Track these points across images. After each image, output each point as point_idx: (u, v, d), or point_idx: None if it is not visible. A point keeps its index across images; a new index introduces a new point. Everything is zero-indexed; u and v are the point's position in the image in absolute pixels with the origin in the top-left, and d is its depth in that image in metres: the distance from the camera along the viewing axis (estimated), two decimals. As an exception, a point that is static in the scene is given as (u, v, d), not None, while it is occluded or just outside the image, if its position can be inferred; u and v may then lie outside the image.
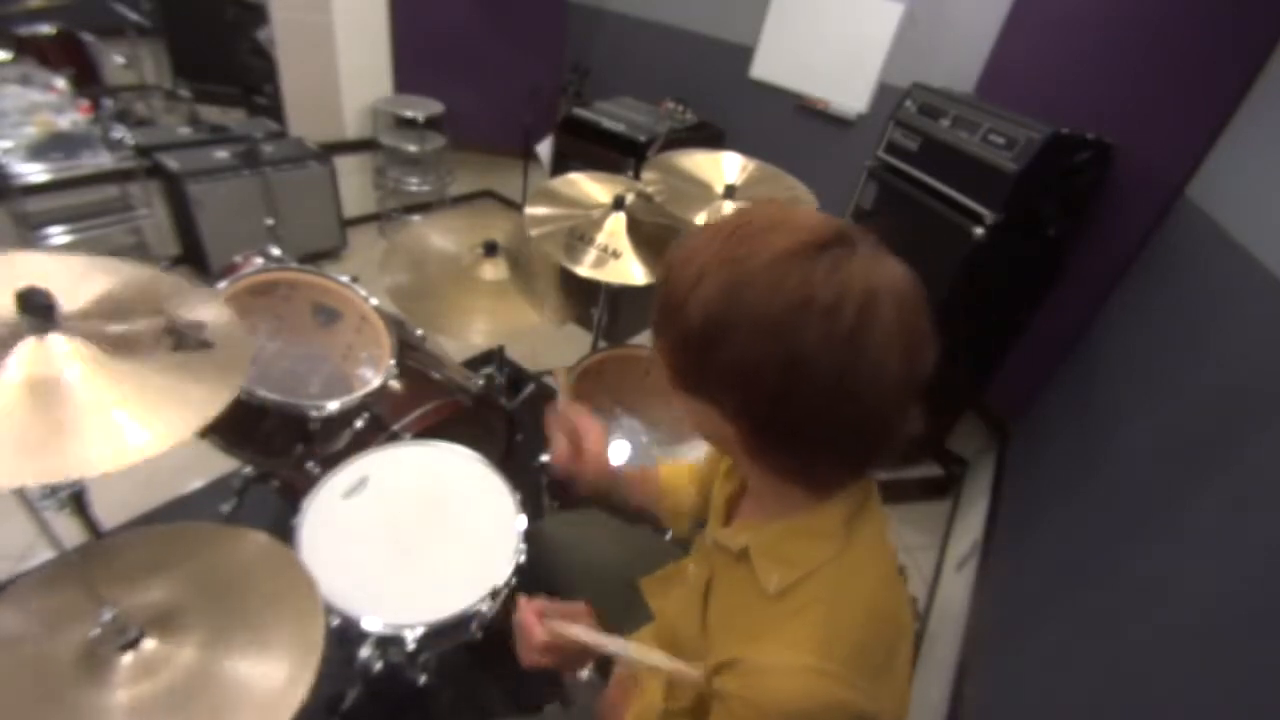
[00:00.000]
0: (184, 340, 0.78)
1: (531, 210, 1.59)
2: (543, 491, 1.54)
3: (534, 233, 1.52)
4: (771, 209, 0.57)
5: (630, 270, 1.53)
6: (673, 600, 0.83)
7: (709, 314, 0.52)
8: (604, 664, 0.81)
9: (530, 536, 1.13)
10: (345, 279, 1.46)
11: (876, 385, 0.51)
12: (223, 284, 1.31)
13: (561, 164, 3.04)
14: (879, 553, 0.62)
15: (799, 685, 0.54)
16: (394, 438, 1.37)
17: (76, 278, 0.79)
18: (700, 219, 1.49)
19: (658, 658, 0.69)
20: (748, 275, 0.51)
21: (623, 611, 1.06)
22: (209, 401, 0.73)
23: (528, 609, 0.85)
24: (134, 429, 0.67)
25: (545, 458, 1.50)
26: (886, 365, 0.50)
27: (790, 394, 0.51)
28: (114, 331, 0.74)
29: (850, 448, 0.56)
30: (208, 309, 0.85)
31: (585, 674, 0.77)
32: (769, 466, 0.60)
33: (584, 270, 1.49)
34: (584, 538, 1.18)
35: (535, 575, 1.10)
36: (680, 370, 0.58)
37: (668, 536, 1.25)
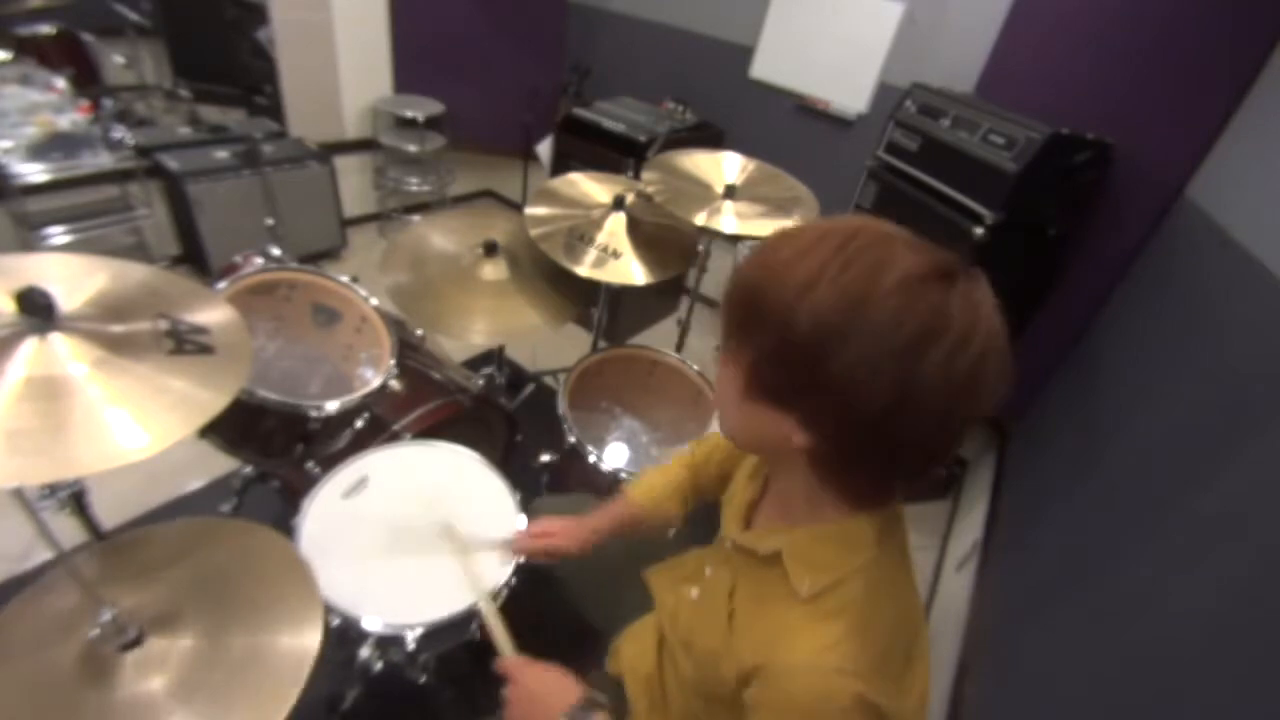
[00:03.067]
0: (183, 344, 0.78)
1: (531, 210, 1.59)
2: (543, 492, 1.54)
3: (534, 232, 1.53)
4: (870, 221, 0.55)
5: (630, 270, 1.53)
6: (682, 598, 0.83)
7: (824, 323, 0.49)
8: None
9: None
10: (345, 279, 1.46)
11: (973, 416, 0.52)
12: (223, 284, 1.31)
13: (561, 164, 3.03)
14: (903, 561, 0.63)
15: (827, 686, 0.55)
16: (394, 438, 1.37)
17: (76, 278, 0.79)
18: (700, 219, 1.49)
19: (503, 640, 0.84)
20: (875, 290, 0.48)
21: (615, 595, 1.07)
22: (208, 403, 0.73)
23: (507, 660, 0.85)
24: (133, 429, 0.67)
25: (545, 457, 1.51)
26: (985, 400, 0.51)
27: (894, 415, 0.50)
28: (114, 332, 0.74)
29: (920, 469, 0.56)
30: (210, 312, 0.85)
31: None
32: (830, 476, 0.59)
33: (584, 270, 1.49)
34: None
35: (528, 562, 1.11)
36: (766, 375, 0.55)
37: (670, 533, 1.25)
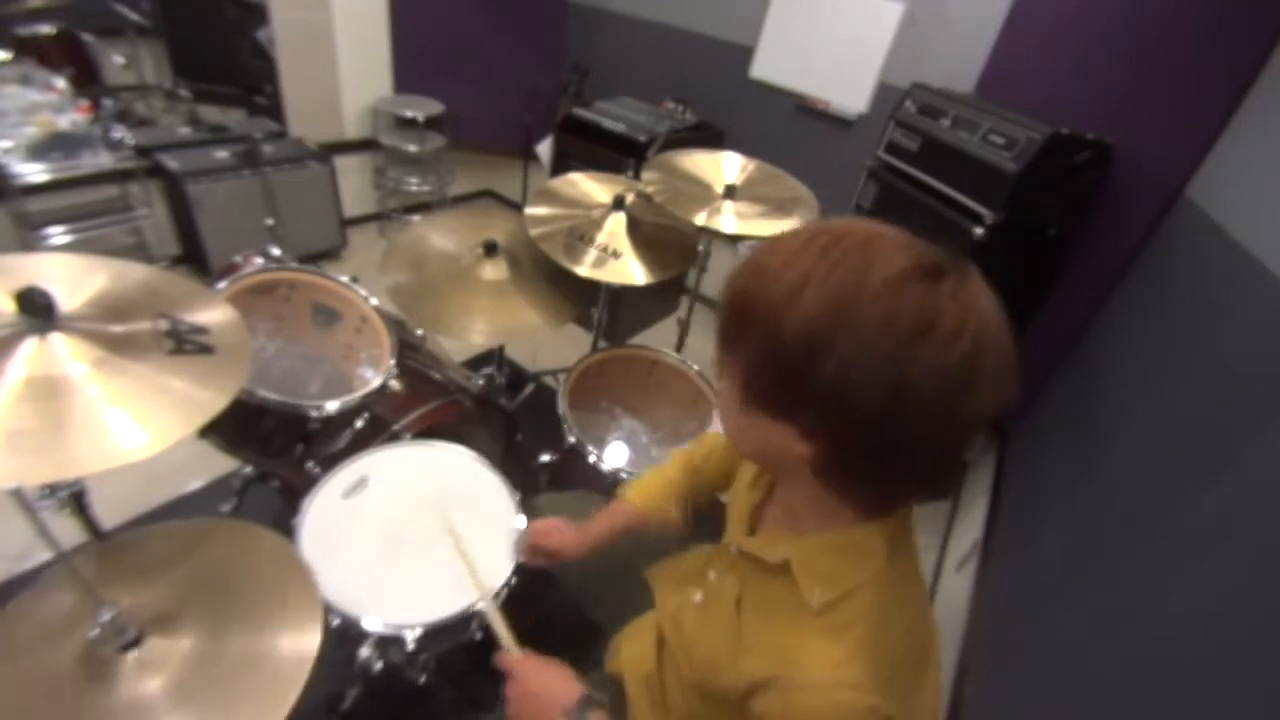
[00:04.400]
0: (183, 344, 0.78)
1: (532, 210, 1.59)
2: (543, 491, 1.54)
3: (534, 232, 1.53)
4: (859, 223, 0.54)
5: (630, 270, 1.53)
6: (685, 600, 0.82)
7: (812, 328, 0.49)
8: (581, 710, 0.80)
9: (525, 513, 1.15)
10: (345, 279, 1.46)
11: (975, 415, 0.50)
12: (223, 284, 1.31)
13: (561, 164, 3.03)
14: (914, 571, 0.63)
15: (839, 703, 0.54)
16: (394, 438, 1.37)
17: (76, 278, 0.79)
18: (700, 219, 1.49)
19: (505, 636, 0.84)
20: (862, 291, 0.48)
21: (616, 593, 1.07)
22: (208, 403, 0.73)
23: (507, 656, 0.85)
24: (133, 429, 0.67)
25: (545, 457, 1.51)
26: (985, 396, 0.49)
27: (891, 418, 0.49)
28: (114, 332, 0.74)
29: (928, 474, 0.56)
30: (210, 312, 0.85)
31: None
32: (835, 486, 0.58)
33: (584, 270, 1.49)
34: (577, 516, 1.18)
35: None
36: (759, 385, 0.55)
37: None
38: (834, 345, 0.48)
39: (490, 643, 0.89)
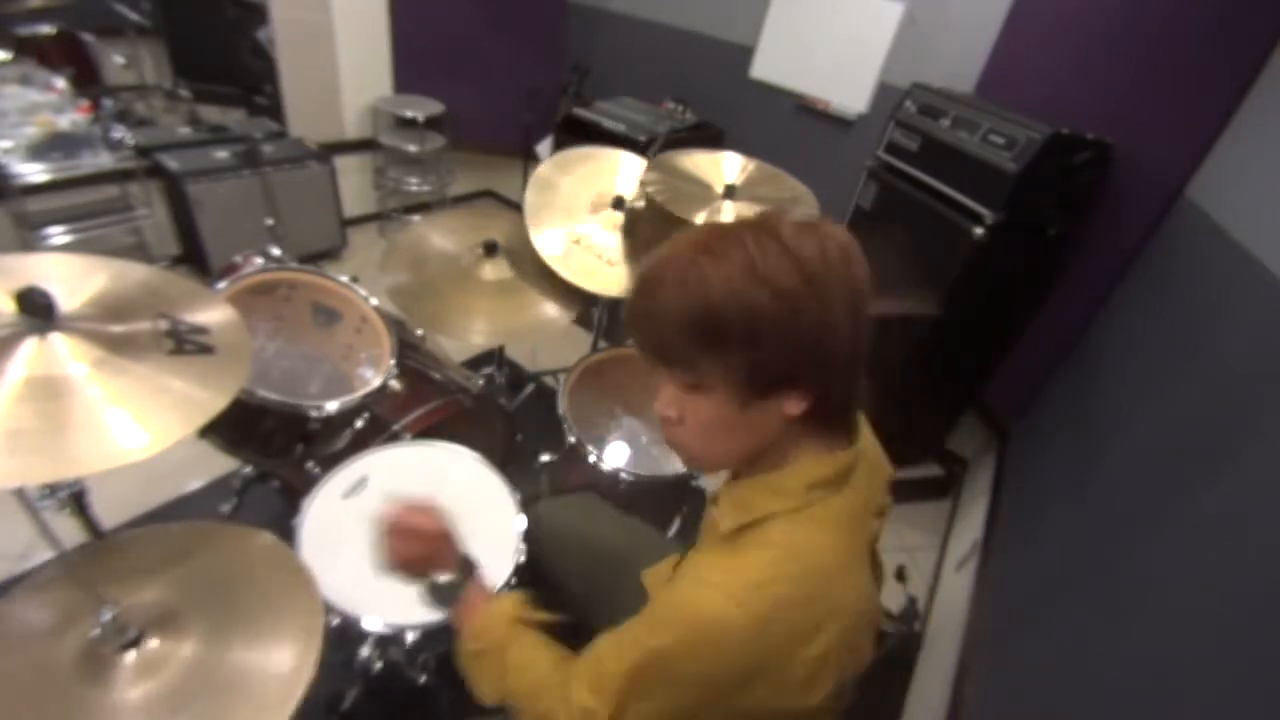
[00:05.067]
0: (183, 344, 0.78)
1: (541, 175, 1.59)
2: (543, 492, 1.54)
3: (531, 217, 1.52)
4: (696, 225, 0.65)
5: (625, 279, 1.53)
6: None
7: (784, 290, 0.55)
8: (463, 570, 0.83)
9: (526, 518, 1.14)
10: (345, 279, 1.46)
11: (835, 328, 0.57)
12: (223, 284, 1.31)
13: (561, 164, 3.03)
14: (840, 531, 0.63)
15: (707, 600, 0.57)
16: (394, 438, 1.37)
17: (76, 278, 0.79)
18: (700, 219, 1.49)
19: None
20: (786, 246, 0.56)
21: (614, 596, 1.07)
22: (208, 403, 0.73)
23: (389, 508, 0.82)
24: (133, 429, 0.67)
25: (545, 457, 1.51)
26: (839, 310, 0.57)
27: (758, 336, 0.55)
28: (114, 332, 0.74)
29: (814, 373, 0.59)
30: (210, 312, 0.85)
31: (445, 577, 0.79)
32: (820, 421, 0.63)
33: (580, 281, 1.48)
34: (579, 520, 1.18)
35: (530, 557, 1.11)
36: (768, 366, 0.59)
37: (671, 533, 1.25)
38: (809, 292, 0.55)
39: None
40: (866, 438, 0.71)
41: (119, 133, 2.32)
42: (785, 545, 0.60)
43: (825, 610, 0.59)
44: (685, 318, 0.57)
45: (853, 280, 0.58)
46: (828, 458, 0.63)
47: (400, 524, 0.79)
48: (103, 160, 2.28)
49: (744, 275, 0.55)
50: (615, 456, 1.60)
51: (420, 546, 0.80)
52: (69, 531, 1.00)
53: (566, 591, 1.16)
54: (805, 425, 0.62)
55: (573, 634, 1.09)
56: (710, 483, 1.57)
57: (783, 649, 0.57)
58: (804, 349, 0.57)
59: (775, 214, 0.61)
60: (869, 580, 0.69)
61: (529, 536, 1.12)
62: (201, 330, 0.82)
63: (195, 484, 1.87)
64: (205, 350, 0.79)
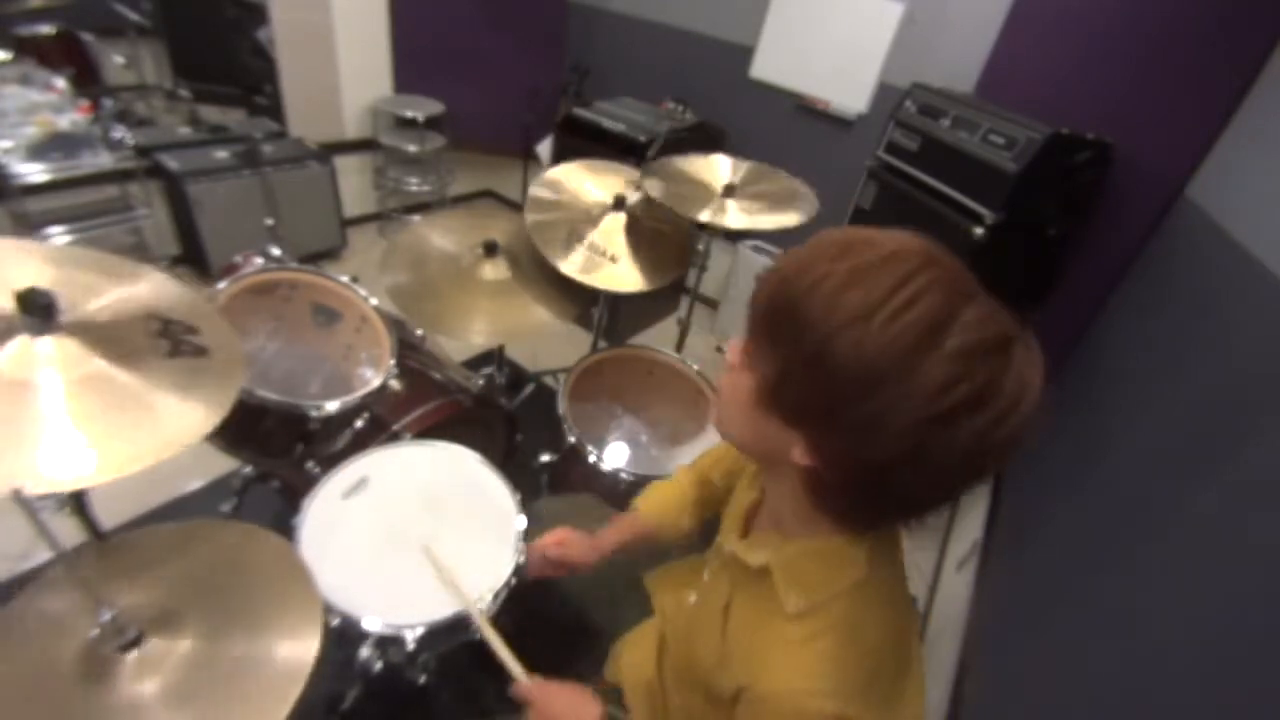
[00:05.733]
0: (179, 346, 0.78)
1: (535, 189, 1.59)
2: (543, 492, 1.54)
3: (532, 219, 1.52)
4: (937, 252, 0.52)
5: (626, 276, 1.53)
6: (681, 603, 0.82)
7: (865, 362, 0.46)
8: None
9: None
10: (345, 279, 1.45)
11: (985, 475, 0.51)
12: (223, 284, 1.31)
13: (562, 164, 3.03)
14: (895, 581, 0.63)
15: (807, 709, 0.54)
16: (394, 438, 1.37)
17: (75, 278, 0.79)
18: (704, 216, 1.50)
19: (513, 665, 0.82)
20: (931, 347, 0.46)
21: (614, 599, 1.06)
22: (206, 412, 0.73)
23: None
24: (133, 434, 0.67)
25: (545, 457, 1.51)
26: (1001, 464, 0.50)
27: (906, 466, 0.48)
28: (111, 336, 0.74)
29: (914, 510, 0.56)
30: (201, 317, 0.85)
31: None
32: (820, 502, 0.58)
33: (582, 275, 1.49)
34: (578, 521, 1.18)
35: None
36: (783, 392, 0.53)
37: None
38: (882, 389, 0.46)
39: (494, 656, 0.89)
40: None
41: (119, 133, 2.32)
42: (857, 624, 0.57)
43: (904, 662, 0.60)
44: (781, 298, 0.52)
45: (982, 424, 0.46)
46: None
47: (535, 714, 0.80)
48: (103, 160, 2.28)
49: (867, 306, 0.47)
50: (615, 456, 1.60)
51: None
52: (69, 531, 0.99)
53: (566, 592, 1.16)
54: (816, 498, 0.57)
55: (573, 634, 1.10)
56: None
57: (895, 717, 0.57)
58: (836, 419, 0.50)
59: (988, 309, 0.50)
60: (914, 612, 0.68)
61: (529, 536, 1.12)
62: (194, 333, 0.82)
63: (195, 484, 1.87)
64: (200, 352, 0.79)
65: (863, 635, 0.57)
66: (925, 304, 0.46)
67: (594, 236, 1.58)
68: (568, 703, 0.79)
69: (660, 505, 1.03)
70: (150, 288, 0.84)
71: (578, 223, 1.59)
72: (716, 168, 1.71)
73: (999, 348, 0.47)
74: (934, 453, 0.47)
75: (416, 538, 1.08)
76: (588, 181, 1.73)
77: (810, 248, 0.53)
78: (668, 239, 1.66)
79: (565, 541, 1.02)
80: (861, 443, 0.49)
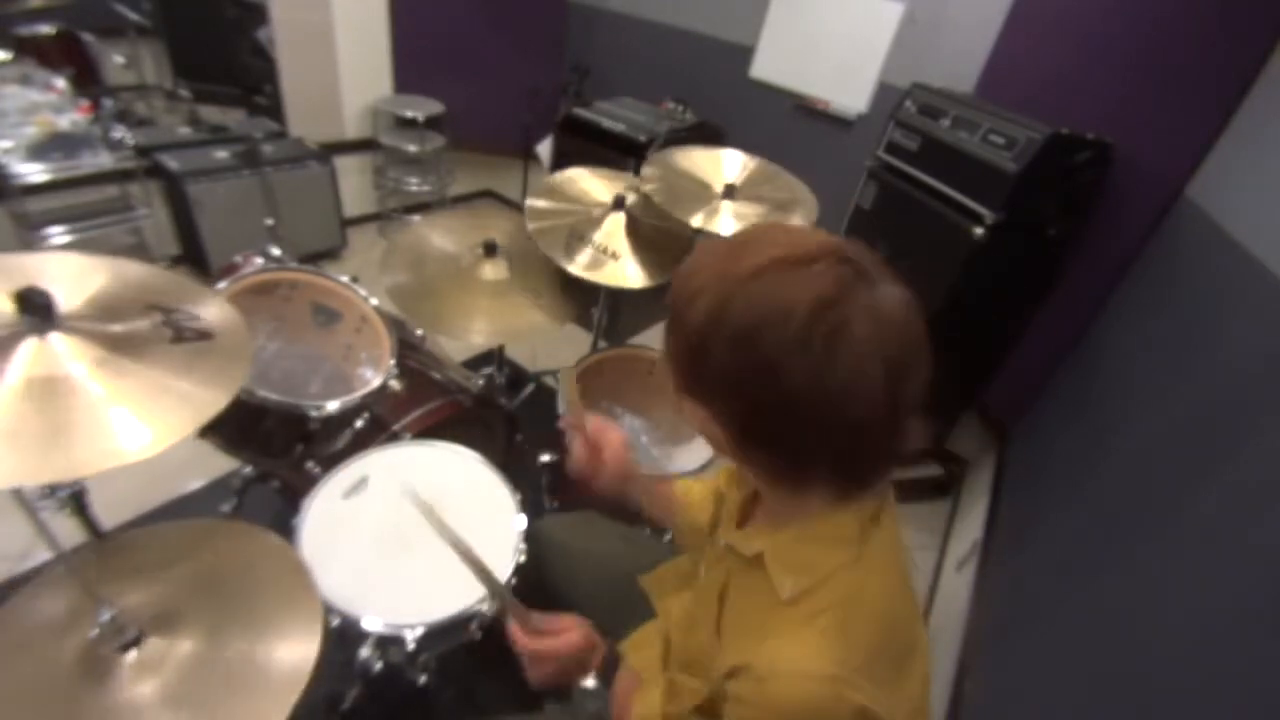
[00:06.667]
0: (183, 332, 0.78)
1: (533, 199, 1.59)
2: (543, 491, 1.54)
3: (533, 226, 1.52)
4: (774, 228, 0.59)
5: (627, 273, 1.53)
6: (681, 600, 0.83)
7: (700, 325, 0.54)
8: (608, 671, 0.80)
9: (529, 537, 1.13)
10: (345, 279, 1.45)
11: (855, 396, 0.51)
12: (223, 284, 1.31)
13: (561, 164, 3.03)
14: (892, 560, 0.63)
15: (809, 690, 0.54)
16: (394, 438, 1.37)
17: (76, 277, 0.79)
18: (697, 221, 1.49)
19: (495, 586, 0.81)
20: (734, 286, 0.53)
21: (620, 610, 1.06)
22: (211, 398, 0.73)
23: (514, 631, 0.83)
24: (135, 428, 0.67)
25: (545, 457, 1.50)
26: (865, 377, 0.51)
27: (766, 401, 0.53)
28: (114, 330, 0.74)
29: (838, 457, 0.56)
30: (204, 304, 0.85)
31: (591, 682, 0.77)
32: (760, 470, 0.63)
33: (584, 272, 1.49)
34: (583, 537, 1.18)
35: (534, 576, 1.10)
36: (680, 372, 0.60)
37: (666, 538, 1.25)
38: (715, 338, 0.53)
39: (489, 644, 0.89)
40: None
41: (119, 133, 2.32)
42: (855, 601, 0.58)
43: (908, 643, 0.60)
44: (669, 298, 0.61)
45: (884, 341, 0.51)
46: (869, 495, 0.61)
47: (530, 652, 0.80)
48: (103, 160, 2.28)
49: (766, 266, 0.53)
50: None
51: (554, 668, 0.80)
52: (69, 531, 1.00)
53: (572, 606, 1.15)
54: (761, 472, 0.63)
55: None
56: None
57: (894, 700, 0.57)
58: (713, 385, 0.57)
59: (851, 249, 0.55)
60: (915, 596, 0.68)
61: (531, 554, 1.12)
62: (196, 317, 0.82)
63: (195, 484, 1.87)
64: (205, 336, 0.79)
65: (863, 613, 0.58)
66: (737, 259, 0.55)
67: (596, 236, 1.58)
68: (569, 640, 0.80)
69: (693, 489, 1.01)
70: (148, 280, 0.84)
71: (579, 225, 1.59)
72: (722, 165, 1.71)
73: (788, 264, 0.52)
74: (784, 375, 0.51)
75: (417, 537, 1.08)
76: (586, 184, 1.73)
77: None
78: (670, 235, 1.66)
79: (607, 433, 0.97)
80: (730, 393, 0.56)
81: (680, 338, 0.58)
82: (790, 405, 0.52)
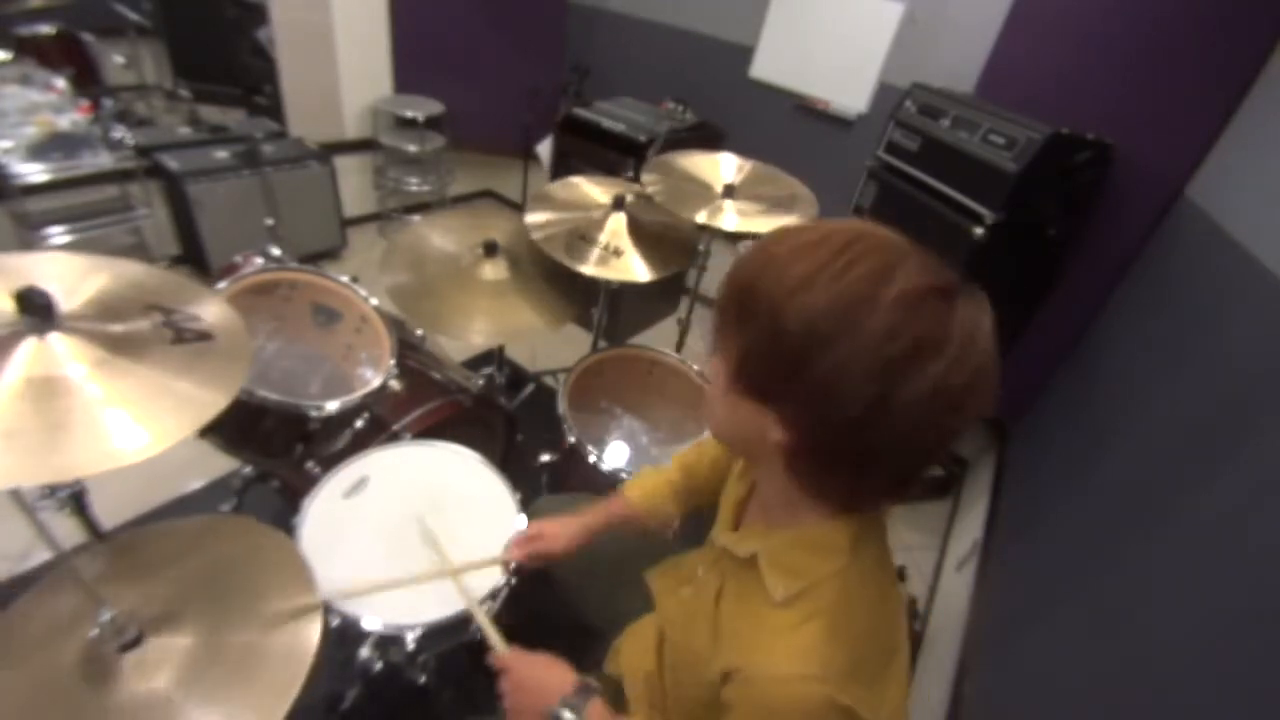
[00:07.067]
0: (183, 333, 0.78)
1: (531, 218, 1.59)
2: (543, 491, 1.54)
3: (536, 235, 1.52)
4: (878, 228, 0.55)
5: (633, 267, 1.53)
6: (679, 599, 0.83)
7: (816, 323, 0.49)
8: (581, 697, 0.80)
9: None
10: (345, 279, 1.46)
11: (952, 433, 0.52)
12: (223, 284, 1.31)
13: (561, 164, 3.03)
14: (881, 566, 0.64)
15: (799, 691, 0.55)
16: (394, 438, 1.37)
17: (76, 277, 0.79)
18: (701, 217, 1.50)
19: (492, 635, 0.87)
20: (875, 299, 0.48)
21: (614, 595, 1.07)
22: (211, 399, 0.73)
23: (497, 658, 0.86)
24: (133, 429, 0.67)
25: (545, 457, 1.51)
26: (968, 417, 0.52)
27: (872, 425, 0.50)
28: (114, 330, 0.74)
29: (896, 480, 0.57)
30: (204, 304, 0.85)
31: (568, 715, 0.77)
32: (803, 481, 0.59)
33: (588, 269, 1.49)
34: None
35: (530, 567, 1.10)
36: (749, 369, 0.56)
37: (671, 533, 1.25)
38: (834, 345, 0.49)
39: (489, 644, 0.90)
40: None
41: (119, 133, 2.32)
42: (847, 604, 0.59)
43: (891, 646, 0.61)
44: (736, 283, 0.57)
45: (942, 374, 0.49)
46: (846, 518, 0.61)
47: (509, 682, 0.81)
48: (103, 160, 2.28)
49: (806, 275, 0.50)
50: (615, 456, 1.60)
51: (529, 697, 0.80)
52: (69, 531, 1.00)
53: (566, 590, 1.16)
54: (800, 478, 0.59)
55: (572, 633, 1.10)
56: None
57: (878, 702, 0.57)
58: (797, 385, 0.52)
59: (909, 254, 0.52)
60: (901, 598, 0.68)
61: None
62: (196, 317, 0.82)
63: (195, 484, 1.87)
64: (204, 337, 0.79)
65: (851, 619, 0.58)
66: (863, 264, 0.50)
67: (600, 237, 1.58)
68: (541, 670, 0.81)
69: (645, 491, 1.04)
70: (147, 280, 0.84)
71: (581, 227, 1.60)
72: (720, 167, 1.71)
73: (939, 294, 0.50)
74: (895, 405, 0.49)
75: (417, 537, 1.08)
76: (585, 190, 1.73)
77: (759, 241, 0.57)
78: (673, 230, 1.66)
79: (540, 536, 1.03)
80: (825, 405, 0.51)
81: (771, 330, 0.52)
82: (894, 432, 0.50)
